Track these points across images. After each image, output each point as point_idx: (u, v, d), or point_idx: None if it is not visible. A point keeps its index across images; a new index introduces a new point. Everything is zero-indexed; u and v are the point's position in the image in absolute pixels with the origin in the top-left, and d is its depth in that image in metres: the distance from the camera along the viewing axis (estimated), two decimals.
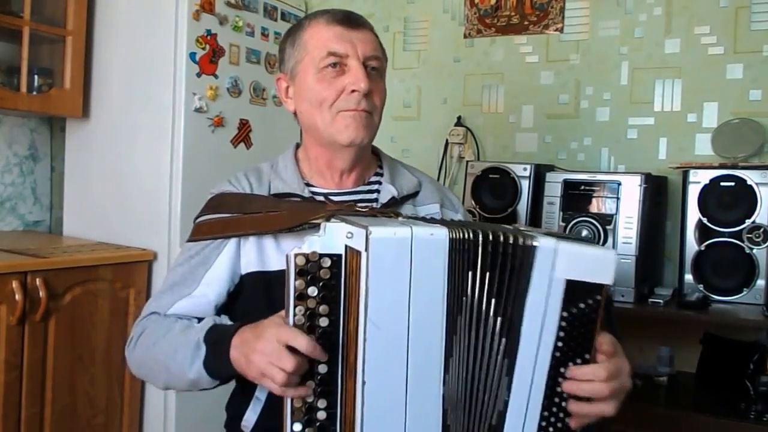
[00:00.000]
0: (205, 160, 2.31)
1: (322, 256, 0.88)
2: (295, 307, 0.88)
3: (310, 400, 0.89)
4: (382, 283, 0.86)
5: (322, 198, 1.19)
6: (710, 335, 2.13)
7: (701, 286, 2.05)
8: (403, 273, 0.86)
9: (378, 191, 1.23)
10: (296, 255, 0.87)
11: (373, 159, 1.28)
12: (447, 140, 2.74)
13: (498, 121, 2.71)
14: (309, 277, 0.88)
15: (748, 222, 1.99)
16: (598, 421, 0.94)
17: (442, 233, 0.88)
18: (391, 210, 1.10)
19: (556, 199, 2.20)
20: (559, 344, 0.90)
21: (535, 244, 0.89)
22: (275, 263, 1.13)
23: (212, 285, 1.14)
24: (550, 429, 0.92)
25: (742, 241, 1.99)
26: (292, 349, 0.87)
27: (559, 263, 0.89)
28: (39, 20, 2.29)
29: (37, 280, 1.92)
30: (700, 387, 2.10)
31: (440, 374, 0.89)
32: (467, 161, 2.55)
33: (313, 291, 0.88)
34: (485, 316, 0.90)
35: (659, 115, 2.42)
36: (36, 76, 2.33)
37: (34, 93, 2.31)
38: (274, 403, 1.10)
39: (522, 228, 0.97)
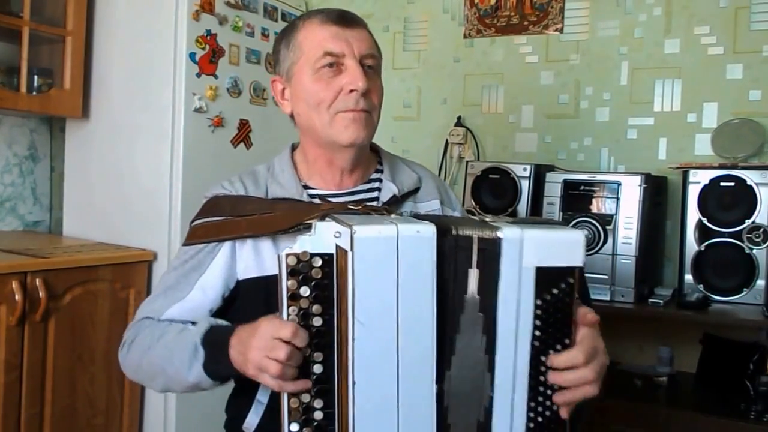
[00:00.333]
0: (205, 160, 2.31)
1: (313, 255, 0.88)
2: (288, 307, 0.88)
3: (306, 400, 0.89)
4: (368, 282, 0.85)
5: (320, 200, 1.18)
6: (710, 335, 2.13)
7: (701, 286, 2.05)
8: (389, 271, 0.86)
9: (379, 189, 1.22)
10: (287, 255, 0.87)
11: (372, 156, 1.27)
12: (447, 140, 2.74)
13: (498, 121, 2.71)
14: (301, 277, 0.87)
15: (748, 222, 1.99)
16: (594, 417, 0.94)
17: (429, 230, 0.88)
18: (383, 207, 1.10)
19: (556, 200, 2.20)
20: (537, 333, 0.89)
21: (499, 235, 0.88)
22: (273, 267, 1.11)
23: (206, 290, 1.13)
24: (539, 419, 0.91)
25: (742, 241, 1.99)
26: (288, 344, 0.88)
27: (526, 251, 0.88)
28: (39, 20, 2.29)
29: (37, 280, 1.92)
30: (700, 387, 2.10)
31: (432, 373, 0.89)
32: (467, 161, 2.55)
33: (305, 291, 0.88)
34: (471, 312, 0.90)
35: (659, 115, 2.42)
36: (36, 77, 2.33)
37: (34, 93, 2.31)
38: (275, 406, 1.10)
39: (487, 219, 0.96)
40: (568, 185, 2.19)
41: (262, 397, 1.13)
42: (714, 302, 2.03)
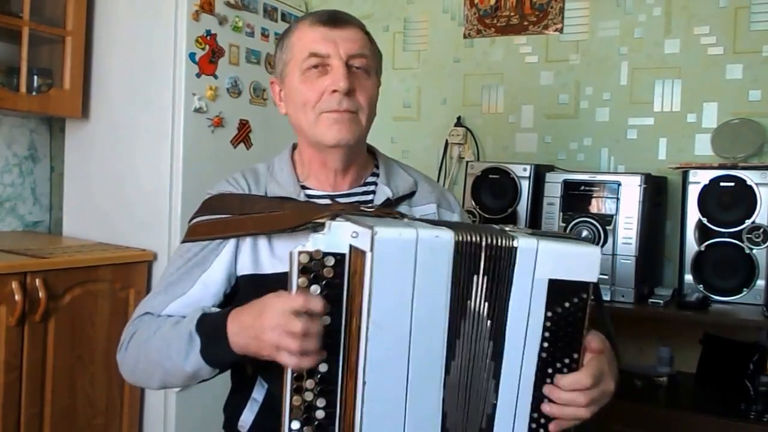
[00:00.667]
0: (205, 160, 2.31)
1: (326, 254, 0.87)
2: None
3: (309, 398, 0.89)
4: (385, 284, 0.85)
5: (319, 201, 1.18)
6: (710, 335, 2.13)
7: (701, 286, 2.05)
8: (407, 274, 0.86)
9: (374, 192, 1.22)
10: (300, 253, 0.86)
11: (369, 159, 1.27)
12: (447, 140, 2.74)
13: (498, 122, 2.71)
14: (312, 275, 0.87)
15: (747, 222, 1.99)
16: (593, 417, 0.95)
17: (447, 235, 0.88)
18: (397, 211, 1.10)
19: (556, 200, 2.20)
20: (545, 345, 0.90)
21: (515, 244, 0.88)
22: (268, 266, 1.12)
23: (208, 286, 1.13)
24: (541, 430, 0.92)
25: (742, 242, 1.99)
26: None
27: (540, 263, 0.88)
28: (38, 20, 2.29)
29: (37, 280, 1.92)
30: (699, 387, 2.10)
31: (441, 377, 0.89)
32: (467, 161, 2.55)
33: (315, 289, 0.87)
34: (481, 319, 0.90)
35: (659, 116, 2.42)
36: (35, 77, 2.33)
37: (34, 93, 2.31)
38: (271, 403, 1.09)
39: (506, 228, 0.97)
40: (568, 185, 2.19)
41: (257, 395, 1.13)
42: (714, 302, 2.03)
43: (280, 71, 1.20)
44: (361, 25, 1.19)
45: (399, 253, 0.85)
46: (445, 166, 2.76)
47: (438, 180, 2.72)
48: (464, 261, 0.89)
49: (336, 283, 0.88)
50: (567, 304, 0.89)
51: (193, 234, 1.17)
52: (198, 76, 2.28)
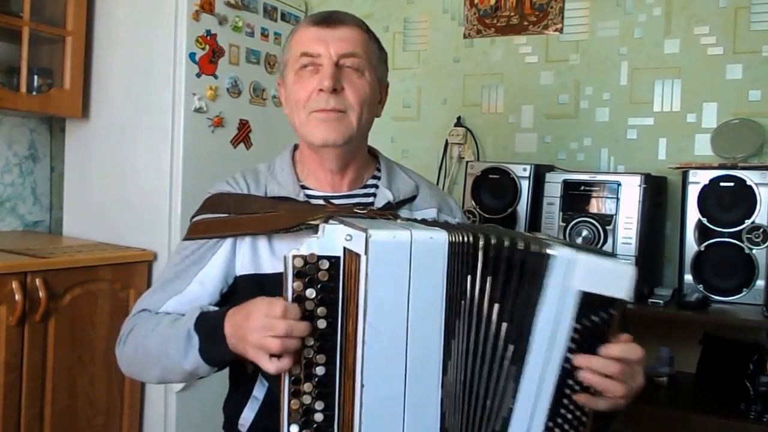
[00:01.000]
0: (205, 160, 2.31)
1: (320, 258, 0.88)
2: None
3: (307, 401, 0.89)
4: (381, 287, 0.85)
5: (317, 201, 1.18)
6: (710, 335, 2.13)
7: (701, 286, 2.05)
8: (401, 276, 0.86)
9: (374, 195, 1.22)
10: (294, 257, 0.87)
11: (370, 161, 1.27)
12: (447, 140, 2.74)
13: (498, 122, 2.71)
14: (307, 279, 0.87)
15: (747, 222, 1.99)
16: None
17: (441, 236, 0.88)
18: (390, 212, 1.10)
19: (556, 200, 2.20)
20: (569, 356, 0.90)
21: (551, 252, 0.89)
22: (268, 266, 1.13)
23: (205, 284, 1.14)
24: None
25: (742, 242, 1.99)
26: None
27: (574, 274, 0.89)
28: (38, 20, 2.29)
29: (37, 280, 1.92)
30: (699, 387, 2.10)
31: (438, 377, 0.89)
32: (467, 161, 2.55)
33: (311, 293, 0.88)
34: (486, 320, 0.90)
35: (659, 116, 2.42)
36: (36, 77, 2.33)
37: (34, 93, 2.31)
38: (271, 402, 1.10)
39: (540, 236, 0.97)
40: (567, 185, 2.19)
41: (257, 393, 1.14)
42: (714, 302, 2.03)
43: (281, 72, 1.23)
44: (359, 23, 1.19)
45: (393, 255, 0.86)
46: (445, 166, 2.76)
47: (438, 180, 2.72)
48: (459, 261, 0.89)
49: (331, 286, 0.88)
50: (595, 318, 0.89)
51: (193, 232, 1.18)
52: (198, 75, 2.29)
